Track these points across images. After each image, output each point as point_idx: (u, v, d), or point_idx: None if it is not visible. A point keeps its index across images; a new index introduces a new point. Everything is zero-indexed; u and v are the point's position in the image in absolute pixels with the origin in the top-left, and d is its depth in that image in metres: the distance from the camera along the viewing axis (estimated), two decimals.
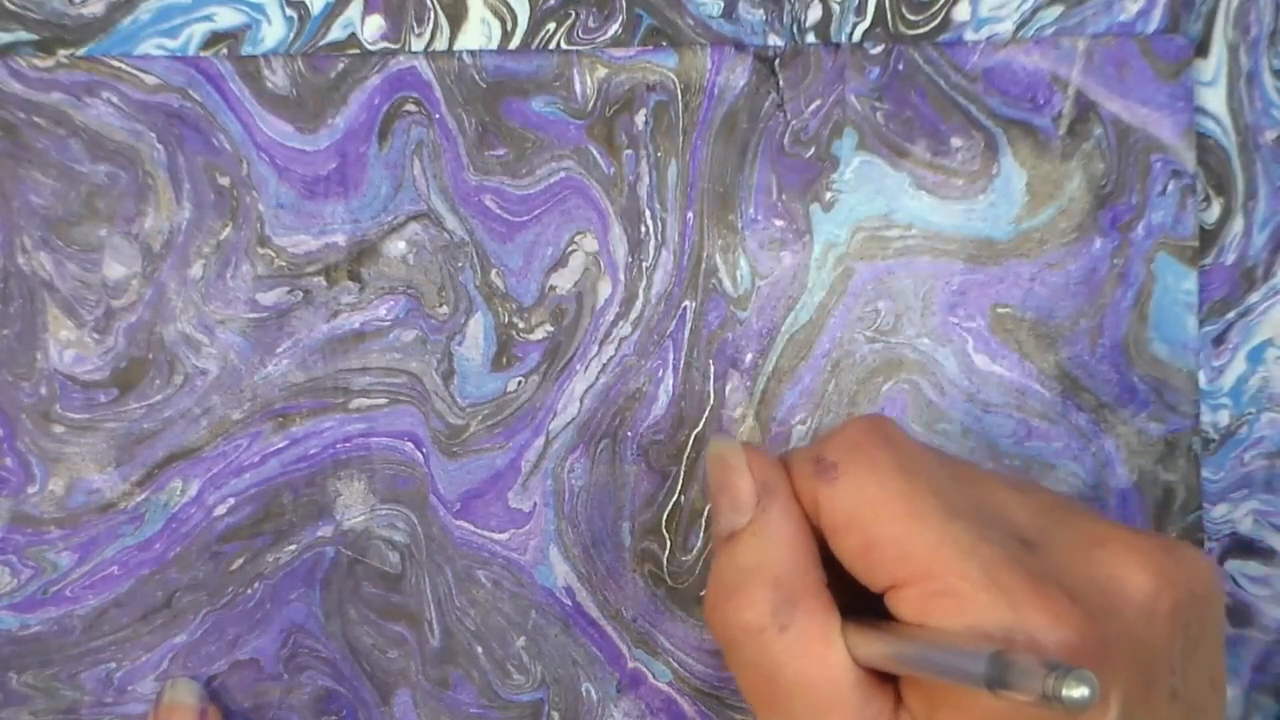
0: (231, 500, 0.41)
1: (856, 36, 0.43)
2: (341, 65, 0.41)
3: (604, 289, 0.42)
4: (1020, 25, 0.44)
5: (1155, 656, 0.33)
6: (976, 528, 0.33)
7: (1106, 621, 0.32)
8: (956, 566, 0.32)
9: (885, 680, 0.34)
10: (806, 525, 0.36)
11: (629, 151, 0.42)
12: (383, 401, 0.41)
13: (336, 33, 0.41)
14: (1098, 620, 0.32)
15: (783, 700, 0.34)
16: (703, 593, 0.43)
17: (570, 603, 0.42)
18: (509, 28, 0.42)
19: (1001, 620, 0.31)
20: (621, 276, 0.42)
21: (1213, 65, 0.44)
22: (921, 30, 0.43)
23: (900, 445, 0.35)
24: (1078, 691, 0.28)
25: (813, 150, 0.43)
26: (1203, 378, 0.44)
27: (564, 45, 0.42)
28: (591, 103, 0.42)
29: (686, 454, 0.43)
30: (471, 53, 0.42)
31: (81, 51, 0.40)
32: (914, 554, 0.33)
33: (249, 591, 0.41)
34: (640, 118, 0.42)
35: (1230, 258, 0.44)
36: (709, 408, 0.43)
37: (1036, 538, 0.34)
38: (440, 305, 0.42)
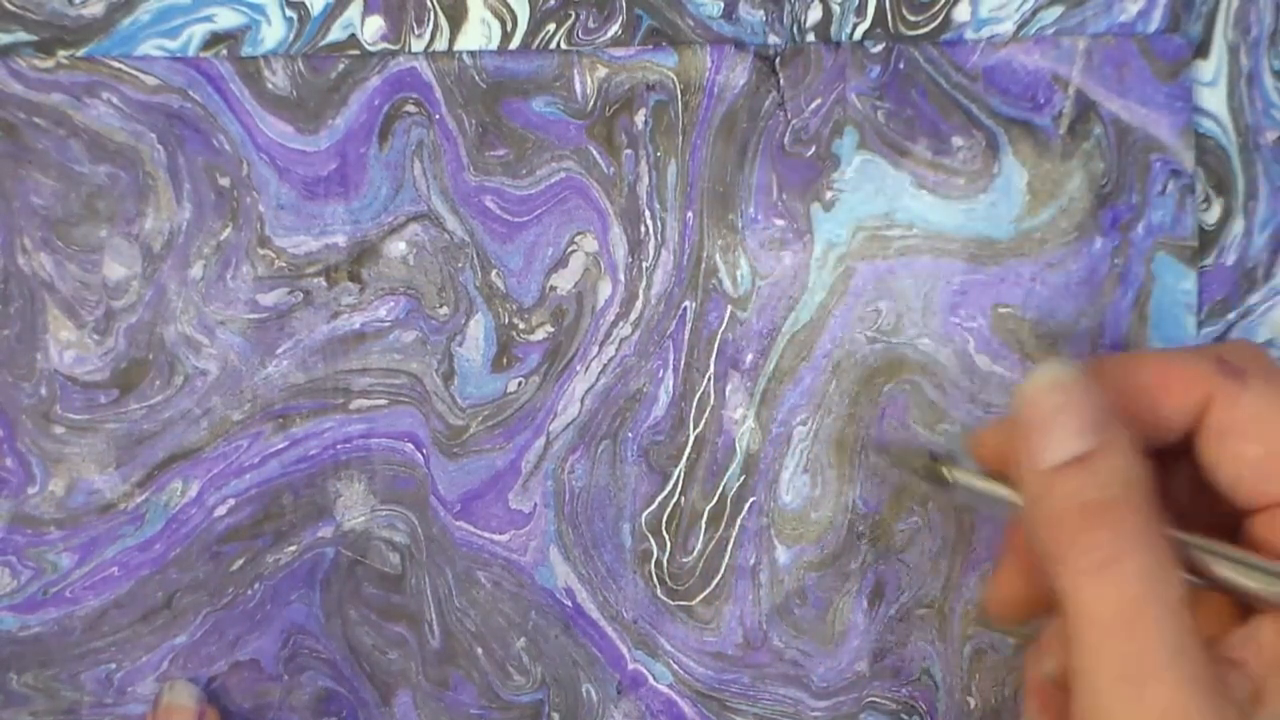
0: (232, 501, 0.41)
1: (857, 37, 0.43)
2: (341, 66, 0.41)
3: (604, 289, 0.42)
4: (1021, 25, 0.44)
5: None
6: None
7: None
8: None
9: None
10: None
11: (629, 151, 0.42)
12: (383, 402, 0.41)
13: (336, 33, 0.41)
14: None
15: (1152, 626, 0.29)
16: (703, 594, 0.43)
17: (570, 604, 0.42)
18: (509, 28, 0.42)
19: None
20: (621, 277, 0.42)
21: (1213, 66, 0.44)
22: (922, 31, 0.43)
23: None
24: None
25: (813, 149, 0.43)
26: None
27: (564, 45, 0.42)
28: (591, 103, 0.42)
29: (686, 454, 0.43)
30: (471, 53, 0.42)
31: (81, 52, 0.40)
32: None
33: (249, 592, 0.41)
34: (640, 117, 0.42)
35: (1230, 259, 0.44)
36: (709, 408, 0.43)
37: None
38: (440, 306, 0.42)
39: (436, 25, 0.42)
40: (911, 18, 0.43)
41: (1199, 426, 0.34)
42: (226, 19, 0.41)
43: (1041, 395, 0.33)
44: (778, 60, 0.43)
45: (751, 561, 0.43)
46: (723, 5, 0.43)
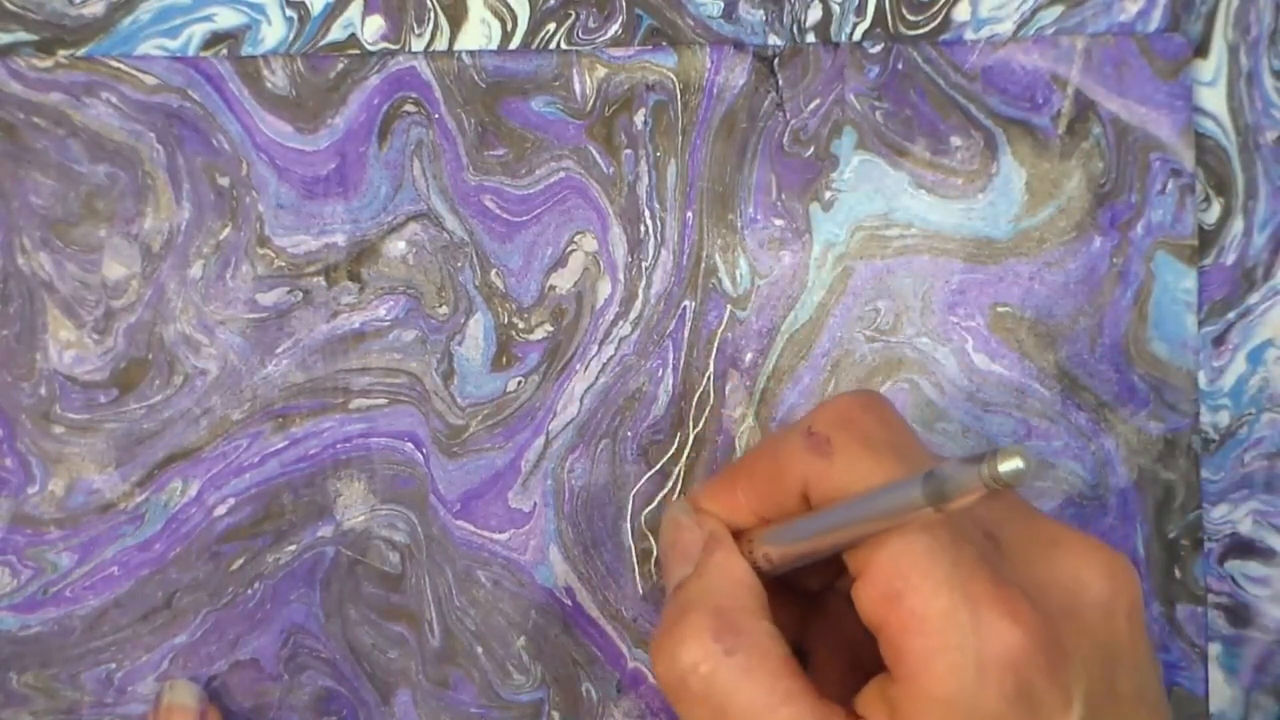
0: (231, 500, 0.41)
1: (856, 37, 0.43)
2: (341, 65, 0.41)
3: (604, 289, 0.42)
4: (1020, 25, 0.44)
5: (1118, 656, 0.33)
6: (952, 519, 0.32)
7: (1066, 622, 0.32)
8: (925, 562, 0.32)
9: (841, 700, 0.34)
10: (751, 571, 0.36)
11: (628, 151, 0.42)
12: (383, 402, 0.41)
13: (336, 33, 0.41)
14: (1056, 621, 0.32)
15: None
16: None
17: (570, 603, 0.42)
18: (509, 28, 0.42)
19: (959, 621, 0.31)
20: (621, 276, 0.42)
21: (1213, 65, 0.44)
22: (921, 31, 0.43)
23: (891, 423, 0.35)
24: (1011, 464, 0.28)
25: (812, 149, 0.43)
26: (1203, 378, 0.44)
27: (564, 45, 0.42)
28: (591, 103, 0.42)
29: (686, 454, 0.43)
30: (471, 53, 0.42)
31: (81, 52, 0.40)
32: (891, 543, 0.32)
33: (249, 592, 0.41)
34: (640, 117, 0.42)
35: (1230, 258, 0.44)
36: (709, 407, 0.43)
37: (999, 532, 0.34)
38: (440, 305, 0.42)
39: (436, 25, 0.42)
40: (911, 18, 0.43)
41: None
42: (226, 19, 0.41)
43: (663, 531, 0.39)
44: (777, 61, 0.43)
45: None
46: (723, 5, 0.43)
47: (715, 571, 0.36)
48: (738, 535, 0.37)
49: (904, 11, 0.43)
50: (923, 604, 0.32)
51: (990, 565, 0.32)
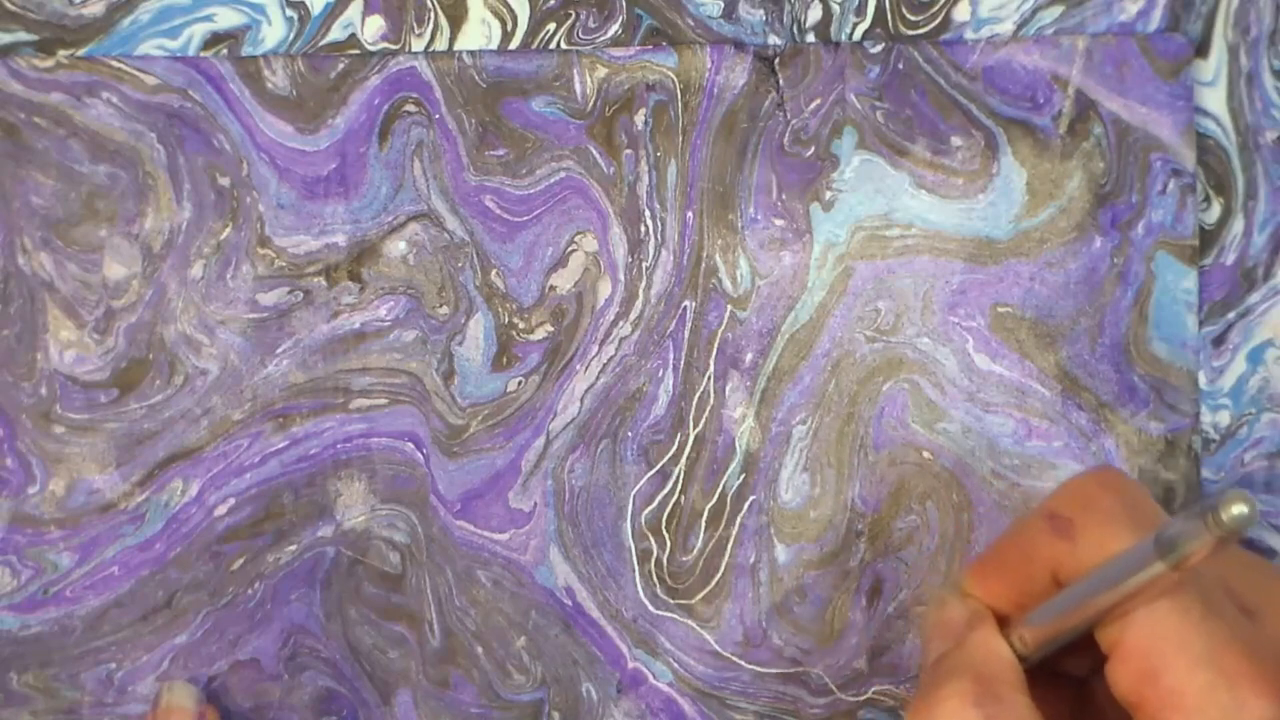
0: (232, 500, 0.41)
1: (856, 37, 0.43)
2: (341, 65, 0.41)
3: (604, 289, 0.42)
4: (1020, 25, 0.44)
5: None
6: (1204, 593, 0.32)
7: None
8: (1178, 637, 0.32)
9: None
10: (1010, 651, 0.36)
11: (629, 151, 0.42)
12: (383, 402, 0.42)
13: (336, 33, 0.41)
14: None
15: None
16: (703, 593, 0.43)
17: (570, 603, 0.42)
18: (509, 28, 0.42)
19: (1218, 700, 0.31)
20: (621, 276, 0.42)
21: (1213, 65, 0.44)
22: (921, 30, 0.43)
23: (1132, 498, 0.35)
24: (1236, 509, 0.29)
25: (812, 149, 0.43)
26: (1203, 378, 0.44)
27: (564, 45, 0.42)
28: (591, 103, 0.42)
29: (686, 454, 0.43)
30: (471, 53, 0.42)
31: (81, 52, 0.40)
32: (1142, 619, 0.32)
33: (249, 591, 0.41)
34: (640, 117, 0.42)
35: (1230, 258, 0.44)
36: (709, 408, 0.43)
37: (1251, 601, 0.34)
38: (440, 305, 0.42)
39: (436, 25, 0.42)
40: (911, 18, 0.43)
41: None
42: (226, 19, 0.41)
43: (926, 612, 0.39)
44: (777, 61, 0.43)
45: (751, 560, 0.43)
46: (723, 5, 0.43)
47: (977, 645, 0.36)
48: (999, 622, 0.37)
49: (904, 11, 0.43)
50: (1179, 681, 0.32)
51: (1244, 639, 0.32)
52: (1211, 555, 0.30)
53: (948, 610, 0.38)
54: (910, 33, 0.43)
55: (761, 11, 0.43)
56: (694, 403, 0.43)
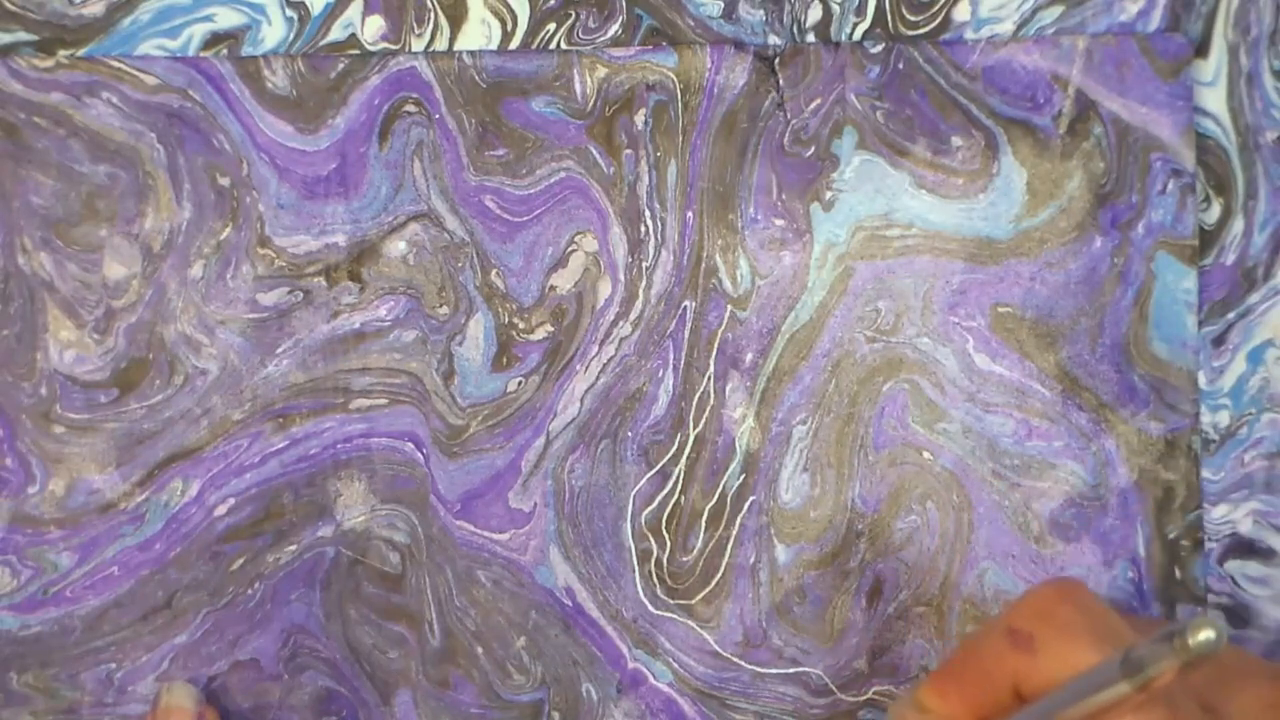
0: (232, 500, 0.41)
1: (856, 37, 0.43)
2: (341, 65, 0.41)
3: (604, 289, 0.42)
4: (1020, 25, 0.44)
5: None
6: (1170, 706, 0.32)
7: None
8: None
9: None
10: None
11: (629, 151, 0.42)
12: (383, 402, 0.42)
13: (336, 33, 0.41)
14: None
15: None
16: (703, 593, 0.43)
17: (570, 603, 0.42)
18: (509, 28, 0.42)
19: None
20: (621, 276, 0.42)
21: (1213, 65, 0.44)
22: (921, 30, 0.43)
23: (1090, 608, 0.35)
24: (1202, 636, 0.29)
25: (813, 149, 0.43)
26: (1203, 378, 0.44)
27: (564, 45, 0.42)
28: (591, 103, 0.42)
29: (686, 454, 0.43)
30: (471, 53, 0.42)
31: (81, 52, 0.40)
32: None
33: (249, 592, 0.41)
34: (640, 117, 0.42)
35: (1230, 258, 0.44)
36: (709, 408, 0.43)
37: (1220, 702, 0.34)
38: (440, 305, 0.42)
39: (436, 25, 0.42)
40: (911, 18, 0.43)
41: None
42: (226, 19, 0.41)
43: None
44: (777, 60, 0.43)
45: (751, 560, 0.43)
46: (723, 5, 0.43)
47: None
48: None
49: (904, 11, 0.43)
50: None
51: None
52: (1177, 677, 0.30)
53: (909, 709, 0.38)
54: (910, 33, 0.43)
55: (761, 11, 0.43)
56: (694, 403, 0.43)
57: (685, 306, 0.43)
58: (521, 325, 0.42)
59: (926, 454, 0.43)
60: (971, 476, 0.43)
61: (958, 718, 0.37)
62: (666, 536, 0.43)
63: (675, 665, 0.43)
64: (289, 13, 0.41)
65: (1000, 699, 0.36)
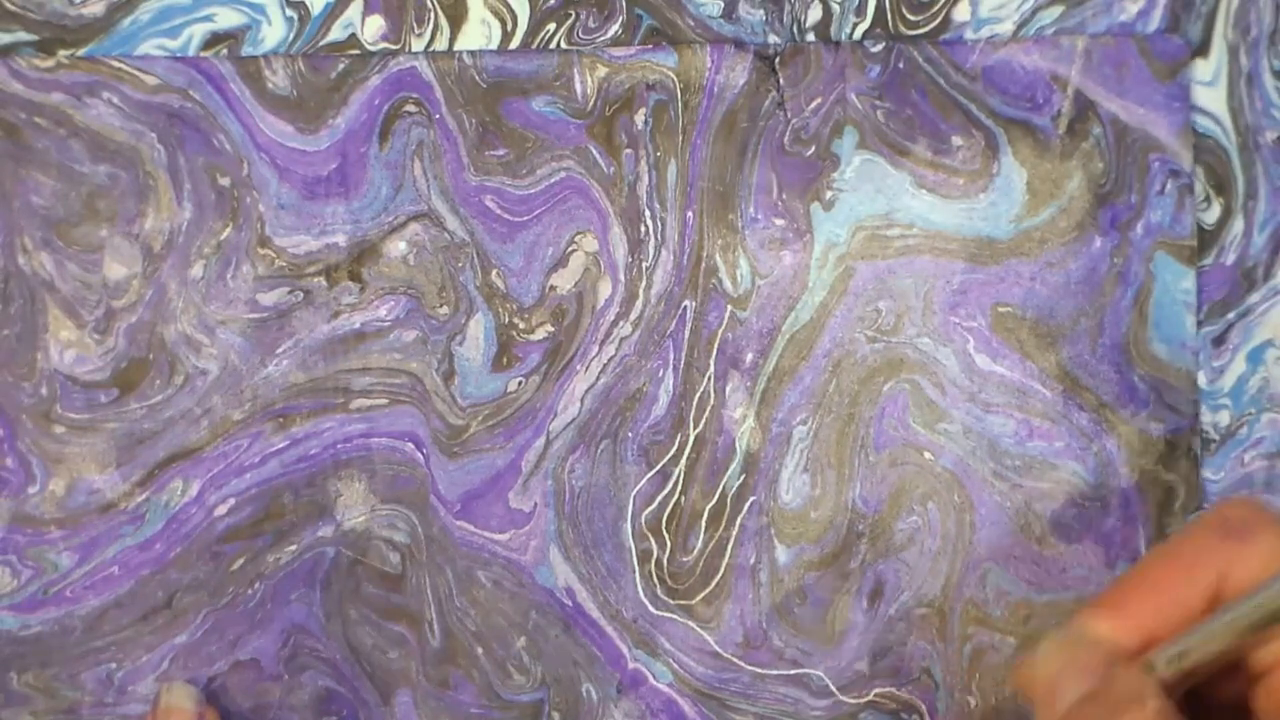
0: (232, 500, 0.41)
1: (856, 36, 0.43)
2: (342, 66, 0.41)
3: (604, 289, 0.42)
4: (1020, 25, 0.44)
5: None
6: None
7: None
8: None
9: None
10: (1160, 692, 0.33)
11: (629, 151, 0.42)
12: (383, 402, 0.42)
13: (337, 33, 0.41)
14: None
15: None
16: (703, 593, 0.43)
17: (571, 603, 0.42)
18: (509, 28, 0.42)
19: None
20: (621, 276, 0.42)
21: (1213, 66, 0.44)
22: (921, 30, 0.43)
23: None
24: None
25: (813, 149, 0.43)
26: (1203, 378, 0.44)
27: (564, 45, 0.42)
28: (591, 102, 0.42)
29: (687, 454, 0.43)
30: (471, 53, 0.42)
31: (82, 52, 0.40)
32: None
33: (249, 592, 0.41)
34: (640, 117, 0.42)
35: (1230, 258, 0.45)
36: (709, 408, 0.43)
37: None
38: (441, 305, 0.42)
39: (436, 25, 0.42)
40: (911, 17, 0.43)
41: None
42: (226, 19, 0.41)
43: (1041, 659, 0.34)
44: (777, 60, 0.43)
45: (751, 561, 0.43)
46: (723, 5, 0.43)
47: (1120, 690, 0.33)
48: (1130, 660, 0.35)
49: (904, 11, 0.43)
50: None
51: None
52: None
53: (1079, 651, 0.34)
54: (910, 33, 0.43)
55: (761, 11, 0.43)
56: (694, 403, 0.43)
57: (685, 306, 0.43)
58: (522, 325, 0.42)
59: (927, 454, 0.43)
60: (973, 477, 0.43)
61: (1133, 635, 0.34)
62: (667, 537, 0.43)
63: (675, 666, 0.43)
64: (289, 13, 0.41)
65: (1193, 605, 0.33)
